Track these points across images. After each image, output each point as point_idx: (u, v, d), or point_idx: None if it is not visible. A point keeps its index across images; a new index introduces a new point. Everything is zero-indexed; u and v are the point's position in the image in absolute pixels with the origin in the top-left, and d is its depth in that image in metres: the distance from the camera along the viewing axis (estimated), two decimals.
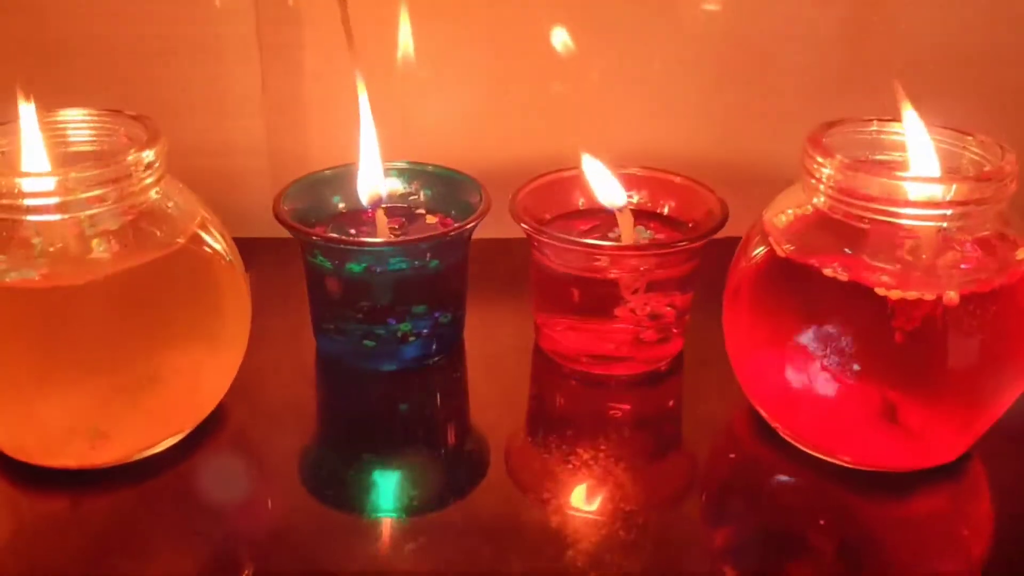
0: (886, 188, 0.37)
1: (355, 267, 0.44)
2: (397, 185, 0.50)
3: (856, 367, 0.38)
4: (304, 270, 0.47)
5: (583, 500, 0.39)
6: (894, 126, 0.41)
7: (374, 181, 0.46)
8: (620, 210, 0.46)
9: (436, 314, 0.46)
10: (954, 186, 0.36)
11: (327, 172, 0.49)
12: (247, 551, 0.37)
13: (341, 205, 0.50)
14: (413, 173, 0.51)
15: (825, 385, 0.39)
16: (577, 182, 0.49)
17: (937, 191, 0.36)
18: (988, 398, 0.38)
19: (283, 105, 0.57)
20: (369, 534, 0.38)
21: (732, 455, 0.43)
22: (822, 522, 0.38)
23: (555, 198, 0.49)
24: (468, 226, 0.45)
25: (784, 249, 0.40)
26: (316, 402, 0.47)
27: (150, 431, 0.40)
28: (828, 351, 0.38)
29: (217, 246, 0.41)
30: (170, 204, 0.40)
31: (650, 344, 0.46)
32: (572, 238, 0.44)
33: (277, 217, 0.45)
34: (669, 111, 0.58)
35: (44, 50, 0.55)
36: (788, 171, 0.42)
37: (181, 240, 0.39)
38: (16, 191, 0.35)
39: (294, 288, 0.49)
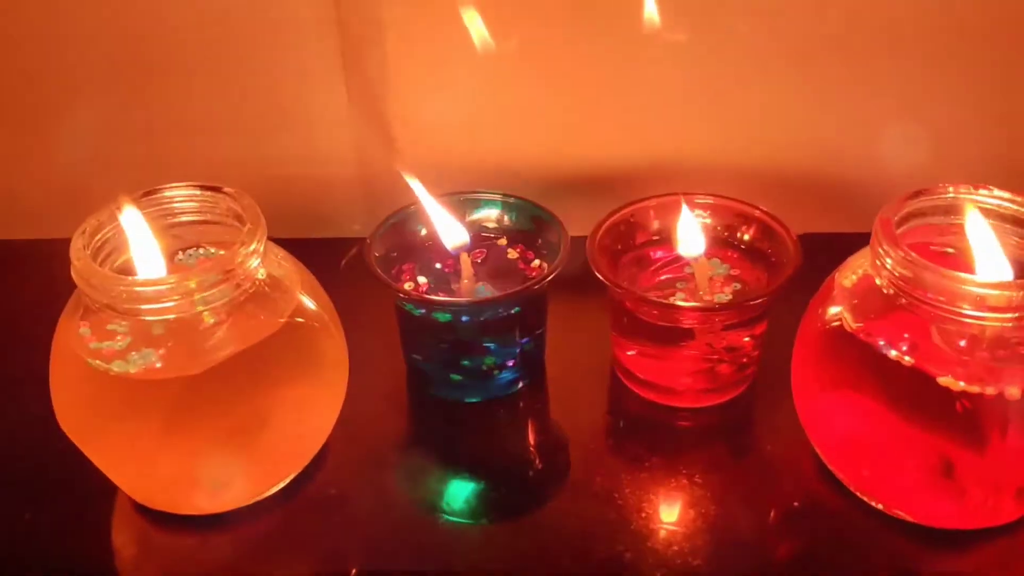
0: (950, 289, 0.37)
1: (441, 316, 0.47)
2: (477, 214, 0.52)
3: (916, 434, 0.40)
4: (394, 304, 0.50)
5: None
6: (975, 194, 0.42)
7: (456, 231, 0.49)
8: (696, 260, 0.47)
9: (519, 344, 0.49)
10: (1021, 293, 0.36)
11: (412, 208, 0.51)
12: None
13: (426, 234, 0.52)
14: (493, 203, 0.52)
15: (884, 449, 0.41)
16: (650, 212, 0.51)
17: (1003, 298, 0.37)
18: None
19: (367, 113, 0.59)
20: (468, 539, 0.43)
21: (796, 502, 0.45)
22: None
23: (632, 231, 0.51)
24: (550, 277, 0.47)
25: (853, 325, 0.41)
26: (409, 432, 0.51)
27: (264, 478, 0.45)
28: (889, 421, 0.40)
29: (313, 307, 0.44)
30: (270, 279, 0.43)
31: (725, 375, 0.49)
32: (650, 298, 0.46)
33: (367, 266, 0.48)
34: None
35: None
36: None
37: (283, 320, 0.42)
38: (135, 296, 0.39)
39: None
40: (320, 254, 0.61)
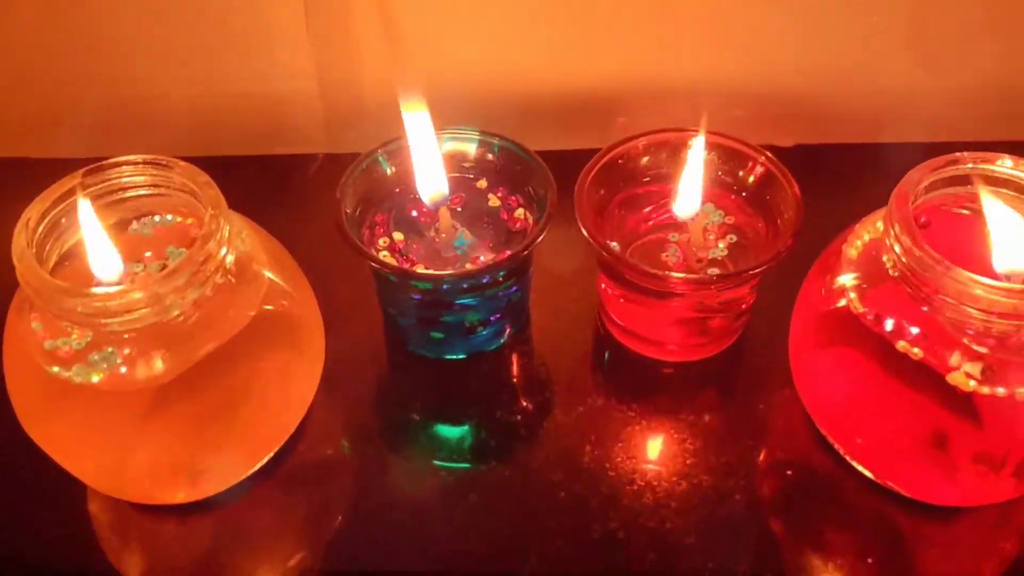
0: (959, 289, 0.35)
1: (421, 284, 0.45)
2: (454, 147, 0.48)
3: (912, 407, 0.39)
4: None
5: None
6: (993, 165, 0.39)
7: (436, 182, 0.45)
8: (692, 219, 0.44)
9: (504, 299, 0.47)
10: None
11: (379, 151, 0.47)
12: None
13: (393, 173, 0.48)
14: (476, 142, 0.48)
15: (879, 421, 0.41)
16: (641, 151, 0.47)
17: (1009, 304, 0.35)
18: None
19: (326, 28, 0.54)
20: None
21: (782, 451, 0.45)
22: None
23: (621, 172, 0.48)
24: (538, 239, 0.44)
25: (859, 308, 0.39)
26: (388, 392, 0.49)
27: (246, 459, 0.43)
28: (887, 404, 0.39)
29: (282, 283, 0.42)
30: (237, 264, 0.40)
31: (718, 328, 0.47)
32: (641, 266, 0.43)
33: (339, 230, 0.44)
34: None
35: None
36: None
37: (253, 312, 0.39)
38: (94, 309, 0.36)
39: None
40: (281, 169, 0.59)
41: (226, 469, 0.42)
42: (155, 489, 0.41)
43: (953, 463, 0.40)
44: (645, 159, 0.48)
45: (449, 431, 0.46)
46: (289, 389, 0.43)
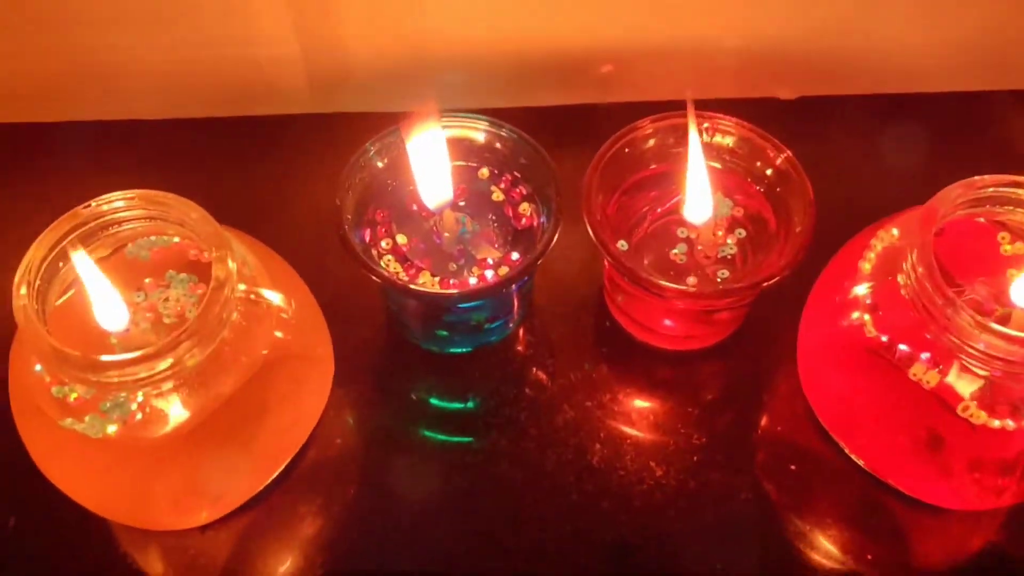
0: (968, 331, 0.36)
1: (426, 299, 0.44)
2: (454, 134, 0.46)
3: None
4: None
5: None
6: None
7: (441, 188, 0.43)
8: (704, 225, 0.44)
9: (509, 295, 0.46)
10: None
11: (372, 150, 0.45)
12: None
13: (385, 166, 0.46)
14: (478, 129, 0.46)
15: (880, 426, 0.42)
16: (649, 138, 0.46)
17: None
18: None
19: None
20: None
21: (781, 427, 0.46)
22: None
23: (626, 163, 0.46)
24: (540, 260, 0.42)
25: (872, 331, 0.39)
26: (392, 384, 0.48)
27: (262, 473, 0.43)
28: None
29: (285, 304, 0.41)
30: (244, 302, 0.39)
31: (723, 321, 0.47)
32: (646, 279, 0.42)
33: (343, 242, 0.43)
34: None
35: None
36: None
37: (265, 352, 0.39)
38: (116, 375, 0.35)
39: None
40: (262, 130, 0.56)
41: (244, 486, 0.43)
42: (178, 518, 0.42)
43: (949, 468, 0.41)
44: (651, 142, 0.47)
45: (454, 425, 0.46)
46: (302, 400, 0.43)
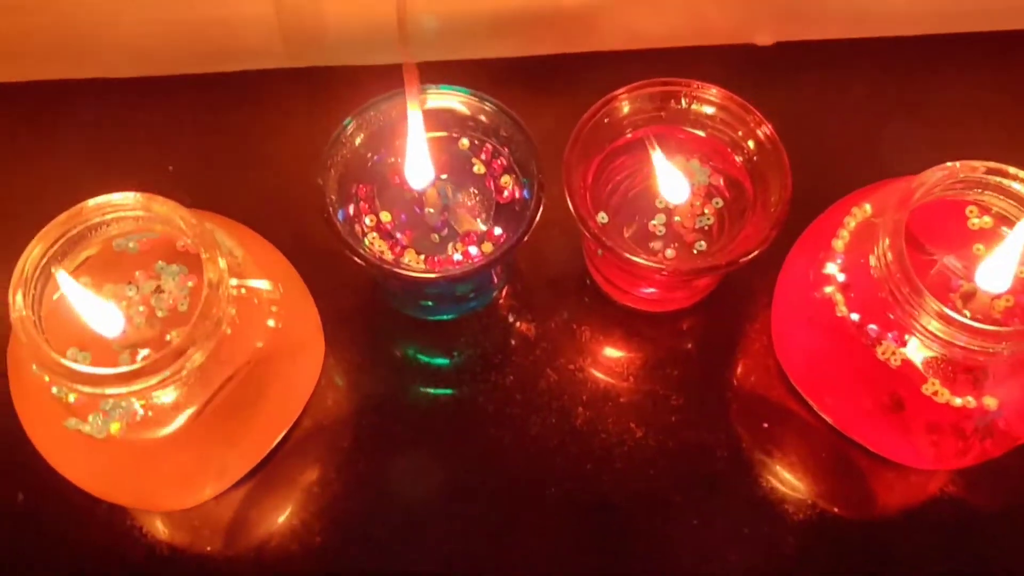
0: (936, 313, 0.37)
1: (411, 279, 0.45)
2: (434, 105, 0.46)
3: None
4: None
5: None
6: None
7: (424, 167, 0.44)
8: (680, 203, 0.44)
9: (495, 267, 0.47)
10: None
11: (350, 125, 0.45)
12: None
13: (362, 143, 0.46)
14: (458, 100, 0.46)
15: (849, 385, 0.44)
16: (625, 107, 0.46)
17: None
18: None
19: None
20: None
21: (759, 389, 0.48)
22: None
23: (605, 133, 0.46)
24: (523, 240, 0.43)
25: (843, 309, 0.41)
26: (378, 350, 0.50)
27: (260, 447, 0.45)
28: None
29: (273, 290, 0.42)
30: (237, 297, 0.40)
31: (704, 286, 0.48)
32: (625, 255, 0.43)
33: (327, 224, 0.43)
34: None
35: None
36: None
37: (260, 344, 0.40)
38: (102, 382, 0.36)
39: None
40: (237, 87, 0.56)
41: (245, 459, 0.44)
42: (186, 497, 0.44)
43: (912, 431, 0.43)
44: (627, 107, 0.47)
45: (441, 386, 0.48)
46: (296, 379, 0.45)
